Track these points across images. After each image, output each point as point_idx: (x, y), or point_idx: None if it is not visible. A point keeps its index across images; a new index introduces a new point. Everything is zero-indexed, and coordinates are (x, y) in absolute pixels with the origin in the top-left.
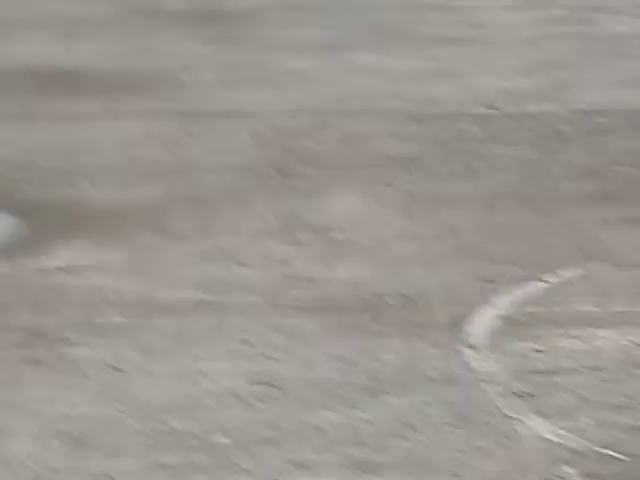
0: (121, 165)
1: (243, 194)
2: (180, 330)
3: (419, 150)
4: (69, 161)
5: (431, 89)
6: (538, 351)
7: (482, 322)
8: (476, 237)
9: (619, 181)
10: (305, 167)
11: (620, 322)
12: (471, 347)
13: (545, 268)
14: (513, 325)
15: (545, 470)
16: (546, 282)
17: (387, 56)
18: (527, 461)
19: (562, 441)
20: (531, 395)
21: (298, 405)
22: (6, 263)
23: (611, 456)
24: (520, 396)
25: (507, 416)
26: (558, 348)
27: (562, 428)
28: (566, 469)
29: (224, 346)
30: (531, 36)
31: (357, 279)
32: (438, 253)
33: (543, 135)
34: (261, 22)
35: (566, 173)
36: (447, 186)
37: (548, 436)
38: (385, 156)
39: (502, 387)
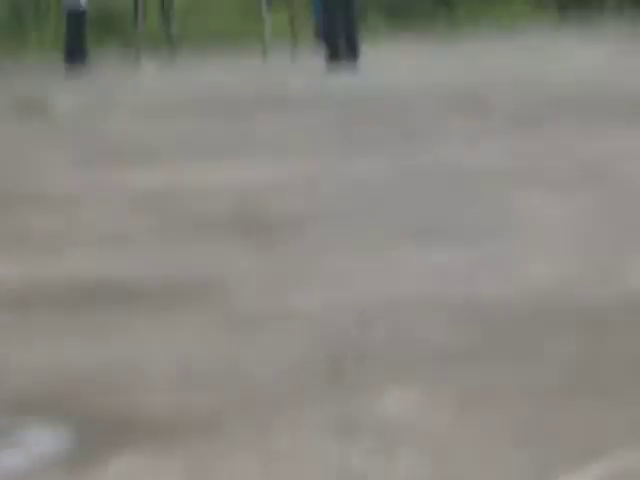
0: (174, 375)
1: (298, 395)
2: None
3: (472, 342)
4: (121, 373)
5: (475, 284)
6: None
7: None
8: (536, 428)
9: None
10: (358, 364)
11: None
12: None
13: None
14: None
15: None
16: None
17: (433, 251)
18: None
19: None
20: None
21: None
22: (59, 476)
23: None
24: None
25: None
26: None
27: None
28: None
29: None
30: (571, 222)
31: (415, 473)
32: (495, 447)
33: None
34: (307, 227)
35: None
36: (504, 380)
37: None
38: (436, 349)
39: None
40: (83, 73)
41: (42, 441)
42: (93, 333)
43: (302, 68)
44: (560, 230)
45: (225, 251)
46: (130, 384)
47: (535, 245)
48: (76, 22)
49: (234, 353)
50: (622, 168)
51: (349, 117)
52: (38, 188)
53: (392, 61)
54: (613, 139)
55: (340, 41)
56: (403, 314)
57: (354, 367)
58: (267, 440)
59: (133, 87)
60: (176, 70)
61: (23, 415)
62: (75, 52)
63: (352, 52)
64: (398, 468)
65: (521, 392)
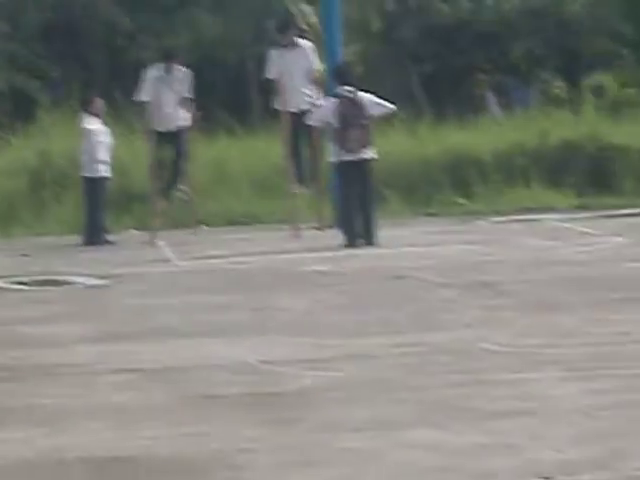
0: None
1: None
2: None
3: None
4: None
5: (486, 463)
6: None
7: None
8: None
9: None
10: None
11: None
12: None
13: None
14: None
15: None
16: None
17: (441, 432)
18: None
19: None
20: None
21: None
22: None
23: None
24: None
25: None
26: None
27: None
28: None
29: None
30: (583, 406)
31: None
32: None
33: None
34: (317, 402)
35: None
36: None
37: None
38: None
39: None
40: (101, 249)
41: None
42: None
43: (320, 247)
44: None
45: (236, 426)
46: None
47: (545, 428)
48: (95, 189)
49: None
50: (633, 351)
51: (363, 297)
52: (53, 361)
53: (409, 243)
54: (623, 323)
55: (357, 225)
56: None
57: None
58: None
59: (150, 265)
60: (194, 248)
61: None
62: (94, 228)
63: (369, 235)
64: None
65: None
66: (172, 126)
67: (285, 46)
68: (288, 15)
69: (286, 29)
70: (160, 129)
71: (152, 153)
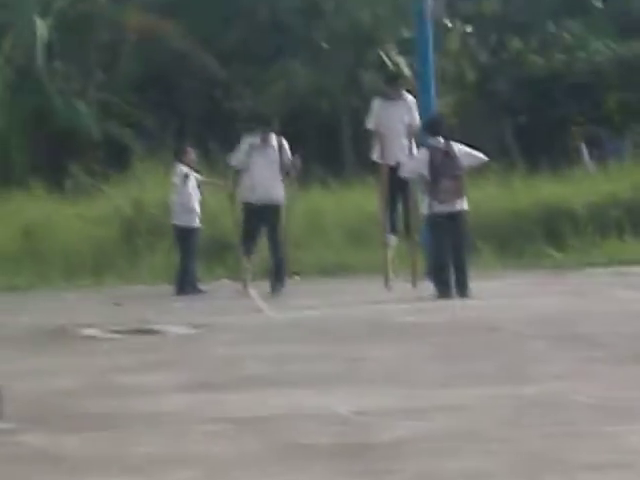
0: None
1: None
2: None
3: None
4: None
5: None
6: None
7: None
8: None
9: None
10: None
11: None
12: None
13: None
14: None
15: None
16: None
17: None
18: None
19: None
20: None
21: None
22: None
23: None
24: None
25: None
26: None
27: None
28: None
29: None
30: None
31: None
32: None
33: None
34: (408, 454)
35: None
36: None
37: None
38: None
39: None
40: (193, 299)
41: None
42: None
43: (412, 298)
44: None
45: (328, 476)
46: None
47: None
48: (187, 238)
49: None
50: None
51: (455, 348)
52: (146, 409)
53: (501, 294)
54: None
55: (449, 276)
56: None
57: None
58: None
59: (242, 315)
60: (286, 298)
61: None
62: (186, 277)
63: (461, 287)
64: None
65: None
66: (266, 199)
67: (391, 98)
68: (395, 68)
69: (395, 81)
70: (252, 200)
71: (241, 222)
